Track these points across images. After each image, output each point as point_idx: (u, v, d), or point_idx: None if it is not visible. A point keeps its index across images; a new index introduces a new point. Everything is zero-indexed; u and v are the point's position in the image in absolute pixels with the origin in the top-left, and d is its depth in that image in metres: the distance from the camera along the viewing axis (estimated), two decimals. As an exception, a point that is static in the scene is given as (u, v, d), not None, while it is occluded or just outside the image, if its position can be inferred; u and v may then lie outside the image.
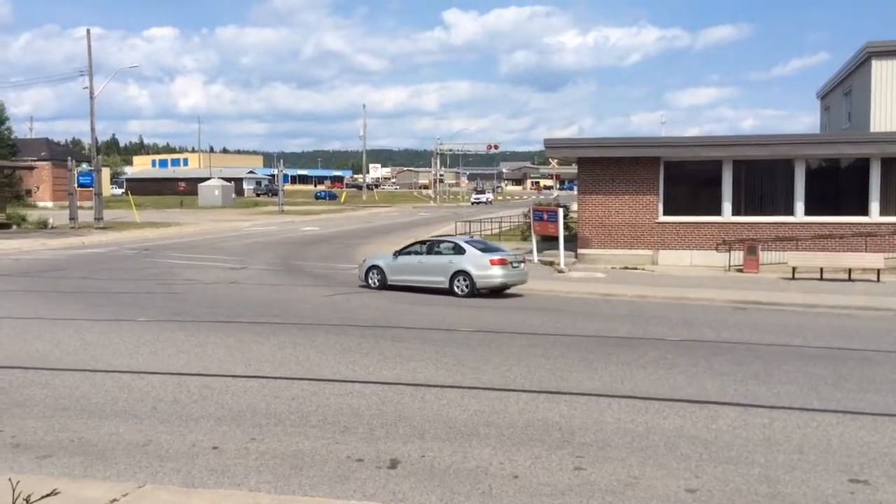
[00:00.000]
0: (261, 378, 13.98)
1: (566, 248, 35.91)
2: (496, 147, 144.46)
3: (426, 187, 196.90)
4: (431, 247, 29.66)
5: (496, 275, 28.18)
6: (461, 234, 48.41)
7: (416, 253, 29.51)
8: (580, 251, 37.09)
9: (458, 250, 28.98)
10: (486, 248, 29.33)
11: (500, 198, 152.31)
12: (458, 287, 27.99)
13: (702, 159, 35.88)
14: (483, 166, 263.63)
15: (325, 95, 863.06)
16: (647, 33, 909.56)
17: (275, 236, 55.69)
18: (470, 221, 55.64)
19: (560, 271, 33.86)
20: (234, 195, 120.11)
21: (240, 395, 12.76)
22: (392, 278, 29.21)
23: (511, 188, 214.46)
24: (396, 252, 30.25)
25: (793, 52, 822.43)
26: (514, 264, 28.82)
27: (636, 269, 35.31)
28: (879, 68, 38.13)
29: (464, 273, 28.24)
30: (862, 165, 34.20)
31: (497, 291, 28.06)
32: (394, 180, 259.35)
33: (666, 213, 36.52)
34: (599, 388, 13.56)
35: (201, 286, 28.65)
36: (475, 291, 27.62)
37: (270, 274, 33.93)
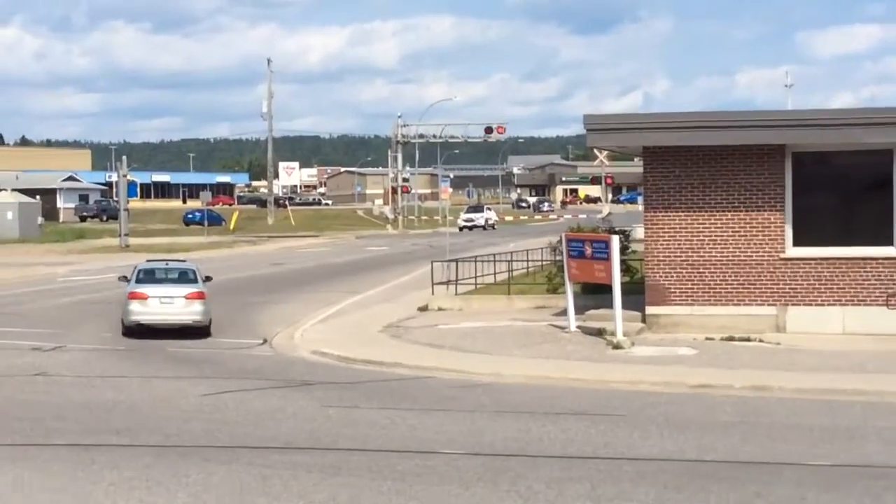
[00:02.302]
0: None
1: (626, 306, 30.43)
2: (501, 130, 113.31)
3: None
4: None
5: (132, 311, 31.65)
6: (440, 283, 40.14)
7: None
8: (650, 310, 31.34)
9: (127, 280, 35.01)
10: (149, 278, 32.55)
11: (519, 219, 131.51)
12: None
13: (859, 148, 30.25)
14: (478, 164, 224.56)
15: (202, 44, 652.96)
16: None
17: (114, 290, 44.79)
18: (457, 260, 44.67)
19: (617, 346, 28.62)
20: (41, 219, 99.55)
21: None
22: None
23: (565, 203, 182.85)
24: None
25: None
26: (164, 300, 31.89)
27: (748, 340, 29.48)
28: None
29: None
30: None
31: (188, 331, 31.24)
32: (322, 190, 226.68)
33: (798, 241, 30.64)
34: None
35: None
36: (125, 330, 33.00)
37: (107, 357, 29.28)
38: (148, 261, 37.93)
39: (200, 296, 32.44)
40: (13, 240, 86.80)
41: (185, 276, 34.44)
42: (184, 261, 39.06)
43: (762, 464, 16.34)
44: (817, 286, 31.26)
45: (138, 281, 33.64)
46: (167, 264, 36.00)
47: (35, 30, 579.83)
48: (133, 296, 32.30)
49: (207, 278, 37.02)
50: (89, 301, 43.97)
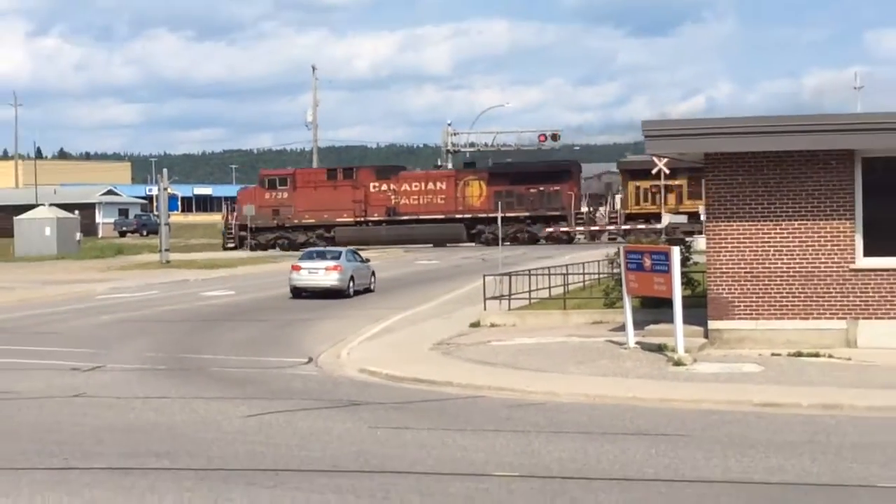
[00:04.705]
0: None
1: (688, 321, 29.66)
2: (555, 137, 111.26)
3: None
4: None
5: (291, 278, 48.04)
6: (492, 298, 39.70)
7: None
8: (713, 325, 30.47)
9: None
10: (307, 256, 50.07)
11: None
12: None
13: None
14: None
15: (248, 52, 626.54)
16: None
17: (155, 308, 47.86)
18: (510, 274, 43.59)
19: (678, 363, 27.78)
20: (79, 234, 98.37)
21: None
22: None
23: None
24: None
25: None
26: (312, 270, 47.14)
27: (816, 355, 28.54)
28: None
29: None
30: None
31: (322, 294, 46.92)
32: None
33: (869, 252, 29.77)
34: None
35: (19, 403, 24.10)
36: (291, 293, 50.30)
37: (147, 377, 28.80)
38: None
39: (337, 268, 47.15)
40: (51, 256, 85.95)
41: (332, 255, 50.11)
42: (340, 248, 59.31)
43: (833, 486, 16.07)
44: (890, 298, 30.35)
45: (300, 259, 50.46)
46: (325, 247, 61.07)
47: (76, 39, 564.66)
48: (293, 268, 49.00)
49: (366, 259, 53.02)
50: (129, 319, 43.79)
